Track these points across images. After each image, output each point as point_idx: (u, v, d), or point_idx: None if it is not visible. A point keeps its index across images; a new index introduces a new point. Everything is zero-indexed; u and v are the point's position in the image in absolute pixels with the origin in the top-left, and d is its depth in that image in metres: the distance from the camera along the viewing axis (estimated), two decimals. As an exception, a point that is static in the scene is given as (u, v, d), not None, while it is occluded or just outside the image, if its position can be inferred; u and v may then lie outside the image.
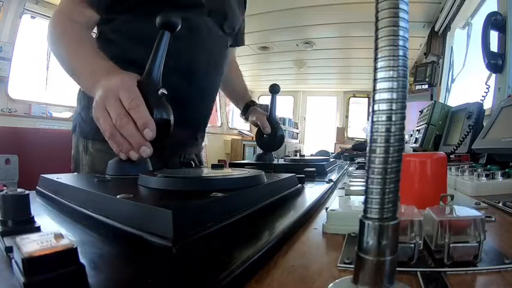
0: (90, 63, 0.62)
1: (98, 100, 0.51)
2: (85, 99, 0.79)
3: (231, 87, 1.15)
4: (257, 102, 1.16)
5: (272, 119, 0.99)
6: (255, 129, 1.06)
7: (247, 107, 1.10)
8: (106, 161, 0.55)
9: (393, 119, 0.16)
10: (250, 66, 4.44)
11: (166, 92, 0.52)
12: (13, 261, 0.18)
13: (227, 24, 0.89)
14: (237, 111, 1.21)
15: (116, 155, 0.53)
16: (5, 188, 0.27)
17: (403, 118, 0.16)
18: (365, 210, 0.17)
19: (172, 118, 0.54)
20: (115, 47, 0.76)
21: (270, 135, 0.99)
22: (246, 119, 1.11)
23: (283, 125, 4.79)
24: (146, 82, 0.52)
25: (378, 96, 0.16)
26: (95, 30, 0.80)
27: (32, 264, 0.16)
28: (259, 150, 1.05)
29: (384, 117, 0.16)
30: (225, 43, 0.93)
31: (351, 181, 0.62)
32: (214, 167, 0.53)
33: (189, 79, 0.81)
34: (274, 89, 0.99)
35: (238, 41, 1.07)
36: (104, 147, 0.57)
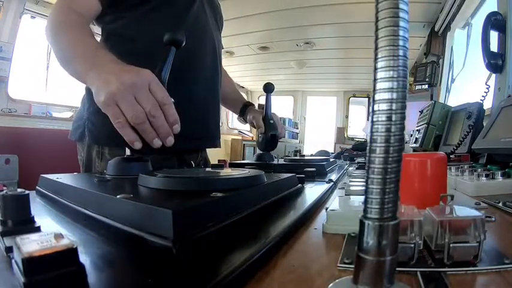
0: (90, 49, 0.61)
1: (124, 84, 0.49)
2: (94, 104, 0.79)
3: (225, 93, 1.15)
4: (256, 102, 1.17)
5: (266, 119, 0.99)
6: (255, 129, 1.06)
7: (245, 108, 1.11)
8: None
9: (393, 119, 0.16)
10: (250, 66, 4.43)
11: (174, 101, 0.54)
12: (13, 261, 0.18)
13: (219, 14, 0.97)
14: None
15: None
16: (5, 188, 0.27)
17: (403, 118, 0.16)
18: (365, 210, 0.17)
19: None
20: (129, 41, 0.76)
21: (264, 135, 0.99)
22: (245, 120, 1.11)
23: (284, 124, 4.78)
24: None
25: (378, 96, 0.16)
26: (99, 31, 0.80)
27: (32, 264, 0.16)
28: (259, 150, 1.05)
29: (383, 117, 0.16)
30: (218, 32, 0.97)
31: (351, 181, 0.62)
32: (214, 167, 0.53)
33: (195, 67, 0.83)
34: (268, 88, 0.98)
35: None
36: (122, 153, 0.57)
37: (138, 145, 0.51)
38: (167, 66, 0.57)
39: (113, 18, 0.77)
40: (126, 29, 0.77)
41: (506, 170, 0.63)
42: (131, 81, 0.49)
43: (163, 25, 0.58)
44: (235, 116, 1.18)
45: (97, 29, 0.78)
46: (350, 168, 1.02)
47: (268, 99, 1.00)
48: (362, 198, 0.18)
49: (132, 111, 0.49)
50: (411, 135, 1.64)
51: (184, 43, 0.58)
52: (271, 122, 0.99)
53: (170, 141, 0.53)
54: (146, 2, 0.75)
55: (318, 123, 6.02)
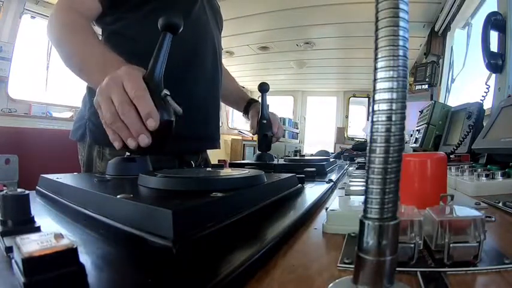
0: (98, 57, 0.61)
1: (103, 87, 0.50)
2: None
3: (228, 92, 1.15)
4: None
5: (261, 118, 0.99)
6: (254, 129, 1.05)
7: (248, 106, 1.11)
8: None
9: (393, 119, 0.16)
10: (250, 66, 4.44)
11: (169, 93, 0.52)
12: (13, 261, 0.18)
13: (219, 15, 0.97)
14: (237, 111, 1.21)
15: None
16: (5, 188, 0.27)
17: (403, 118, 0.16)
18: (365, 210, 0.17)
19: (174, 119, 0.53)
20: (131, 41, 0.76)
21: (260, 135, 0.99)
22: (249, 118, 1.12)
23: (284, 124, 4.78)
24: (149, 81, 0.52)
25: (378, 96, 0.16)
26: (99, 31, 0.81)
27: (32, 264, 0.16)
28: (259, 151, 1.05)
29: (383, 117, 0.16)
30: (219, 33, 0.97)
31: (351, 181, 0.62)
32: (214, 167, 0.53)
33: (195, 67, 0.83)
34: (263, 88, 0.98)
35: None
36: (122, 153, 0.57)
37: (117, 145, 0.51)
38: (163, 56, 0.52)
39: (113, 19, 0.77)
40: (127, 29, 0.77)
41: (506, 170, 0.63)
42: (105, 83, 0.50)
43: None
44: (235, 116, 1.18)
45: (97, 29, 0.78)
46: (350, 168, 1.02)
47: (263, 99, 0.99)
48: (362, 198, 0.18)
49: (104, 111, 0.50)
50: (411, 135, 1.64)
51: (181, 28, 0.54)
52: (264, 122, 0.98)
53: (143, 139, 0.48)
54: (147, 3, 0.75)
55: (318, 123, 6.01)
